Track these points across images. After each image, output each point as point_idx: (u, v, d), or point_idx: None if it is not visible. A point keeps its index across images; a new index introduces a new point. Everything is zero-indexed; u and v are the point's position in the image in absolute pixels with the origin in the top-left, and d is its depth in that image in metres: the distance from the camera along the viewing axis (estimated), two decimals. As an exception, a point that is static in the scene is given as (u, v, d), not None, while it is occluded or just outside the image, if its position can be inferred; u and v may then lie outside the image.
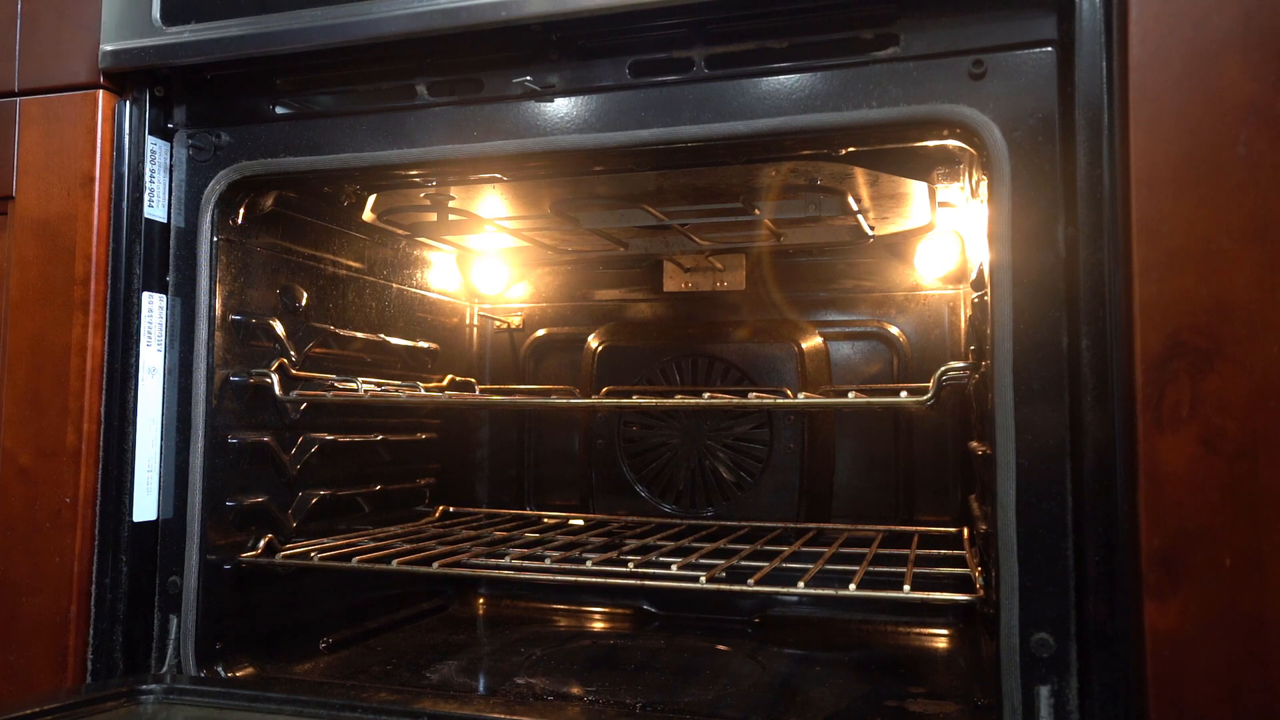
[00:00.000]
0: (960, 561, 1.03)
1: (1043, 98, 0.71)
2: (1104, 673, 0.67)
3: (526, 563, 0.99)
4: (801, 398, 0.99)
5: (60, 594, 0.89)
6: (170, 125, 0.95)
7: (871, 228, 1.14)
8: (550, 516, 1.39)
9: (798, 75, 0.77)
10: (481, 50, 0.85)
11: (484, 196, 1.10)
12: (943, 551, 1.10)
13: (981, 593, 0.85)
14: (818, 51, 0.77)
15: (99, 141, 0.91)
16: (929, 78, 0.74)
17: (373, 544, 1.09)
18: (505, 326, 1.50)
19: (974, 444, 1.07)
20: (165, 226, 0.95)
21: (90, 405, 0.90)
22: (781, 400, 0.96)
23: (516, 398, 1.15)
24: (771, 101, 0.78)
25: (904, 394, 0.93)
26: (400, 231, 1.25)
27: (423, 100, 0.87)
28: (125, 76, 0.92)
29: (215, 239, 0.94)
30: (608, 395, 1.21)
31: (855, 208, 1.04)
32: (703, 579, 0.88)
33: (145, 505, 0.92)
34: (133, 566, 0.91)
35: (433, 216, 1.17)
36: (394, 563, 0.99)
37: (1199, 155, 0.63)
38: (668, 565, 0.93)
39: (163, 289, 0.94)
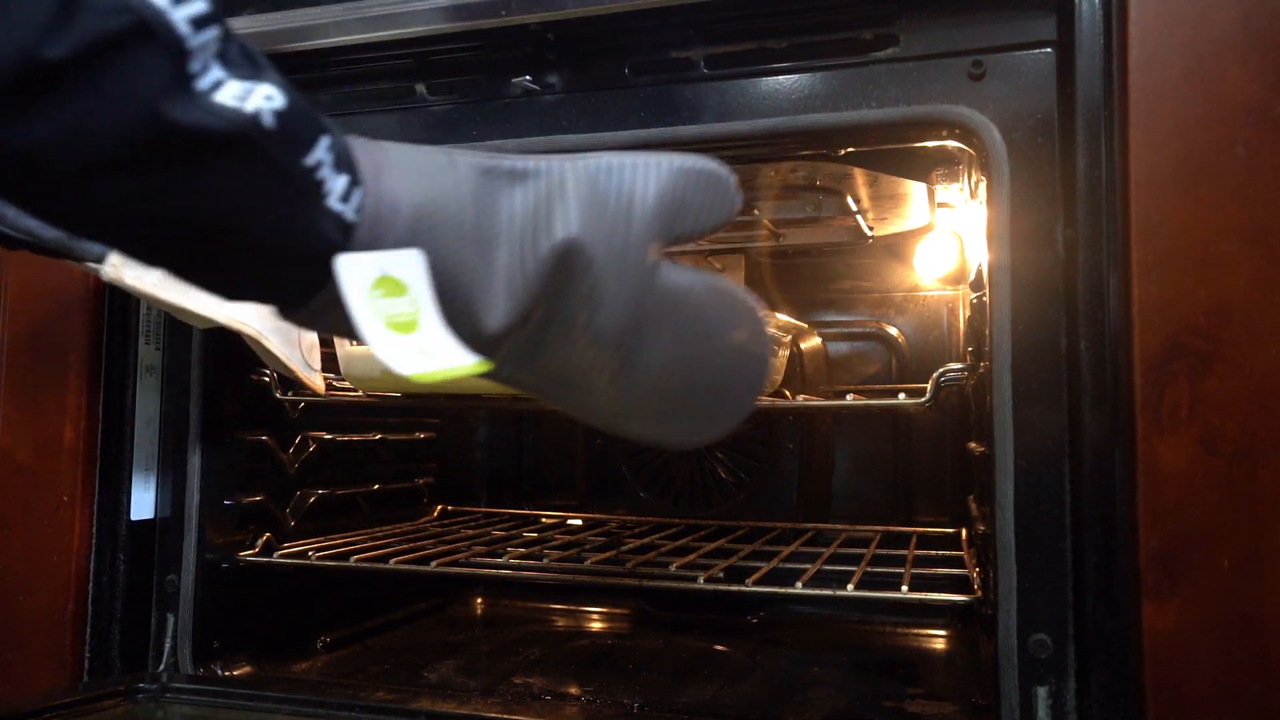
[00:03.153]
0: (958, 562, 1.03)
1: (1042, 99, 0.71)
2: (1102, 674, 0.67)
3: (524, 562, 0.99)
4: (800, 399, 0.99)
5: (58, 593, 0.89)
6: (169, 124, 0.95)
7: (871, 228, 1.14)
8: (549, 516, 1.39)
9: (797, 75, 0.77)
10: (481, 50, 0.85)
11: (483, 196, 1.10)
12: (941, 552, 1.10)
13: (979, 593, 0.85)
14: (817, 52, 0.77)
15: (98, 140, 0.91)
16: (928, 78, 0.74)
17: (371, 543, 1.09)
18: (504, 326, 1.49)
19: (972, 445, 1.07)
20: (164, 225, 0.94)
21: (88, 403, 0.90)
22: (780, 402, 0.96)
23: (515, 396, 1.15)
24: (771, 101, 0.78)
25: (902, 396, 0.93)
26: (399, 231, 1.24)
27: (422, 100, 0.87)
28: (124, 75, 0.92)
29: (214, 238, 0.93)
30: (606, 395, 1.20)
31: (854, 208, 1.04)
32: (701, 579, 0.88)
33: (143, 504, 0.92)
34: (130, 565, 0.91)
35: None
36: (392, 562, 0.99)
37: (1198, 157, 0.63)
38: (666, 565, 0.93)
39: (161, 287, 0.94)
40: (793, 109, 0.77)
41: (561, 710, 0.87)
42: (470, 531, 1.24)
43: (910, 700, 0.92)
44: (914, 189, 1.01)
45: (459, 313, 0.45)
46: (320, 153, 0.40)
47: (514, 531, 1.24)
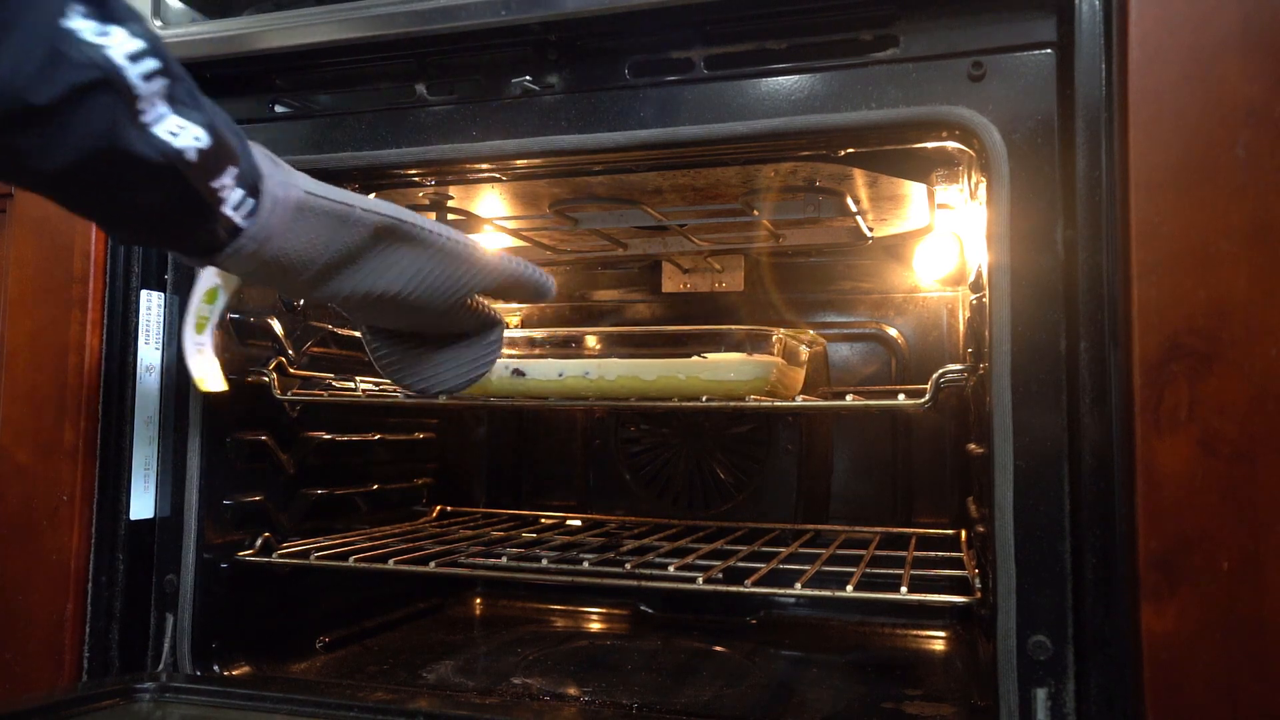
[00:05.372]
0: (958, 564, 1.03)
1: (1042, 100, 0.71)
2: (1101, 676, 0.67)
3: (523, 563, 0.98)
4: (799, 400, 0.99)
5: (57, 592, 0.89)
6: (169, 123, 0.95)
7: (870, 229, 1.14)
8: (547, 517, 1.39)
9: (797, 76, 0.77)
10: (481, 50, 0.85)
11: (483, 196, 1.10)
12: (940, 553, 1.10)
13: (978, 595, 0.85)
14: (817, 53, 0.77)
15: (97, 139, 0.91)
16: (928, 79, 0.74)
17: (370, 543, 1.09)
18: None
19: (972, 446, 1.07)
20: (163, 224, 0.94)
21: (88, 403, 0.90)
22: (779, 403, 0.96)
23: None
24: (771, 102, 0.78)
25: (901, 397, 0.93)
26: (399, 231, 1.24)
27: (422, 99, 0.87)
28: (124, 74, 0.92)
29: (213, 237, 0.93)
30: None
31: (854, 209, 1.04)
32: (699, 580, 0.88)
33: (142, 504, 0.92)
34: (129, 565, 0.91)
35: (432, 216, 1.17)
36: (390, 562, 0.99)
37: (1198, 157, 0.63)
38: (664, 566, 0.93)
39: (161, 287, 0.94)
40: (792, 110, 0.77)
41: (560, 711, 0.87)
42: (469, 532, 1.23)
43: (909, 702, 0.92)
44: (913, 190, 1.01)
45: (282, 283, 0.63)
46: (227, 179, 0.56)
47: (513, 532, 1.24)
